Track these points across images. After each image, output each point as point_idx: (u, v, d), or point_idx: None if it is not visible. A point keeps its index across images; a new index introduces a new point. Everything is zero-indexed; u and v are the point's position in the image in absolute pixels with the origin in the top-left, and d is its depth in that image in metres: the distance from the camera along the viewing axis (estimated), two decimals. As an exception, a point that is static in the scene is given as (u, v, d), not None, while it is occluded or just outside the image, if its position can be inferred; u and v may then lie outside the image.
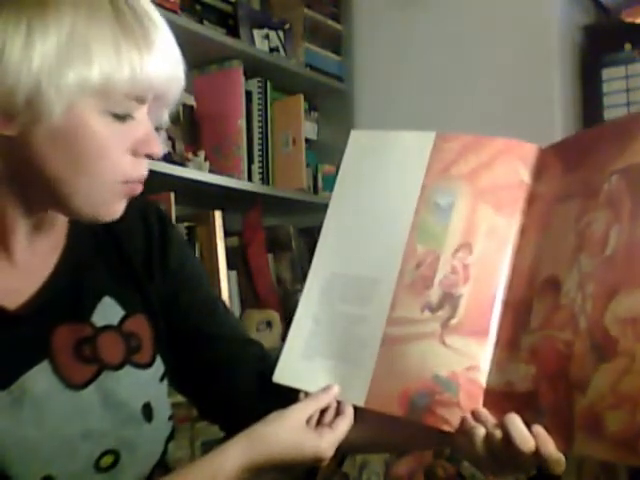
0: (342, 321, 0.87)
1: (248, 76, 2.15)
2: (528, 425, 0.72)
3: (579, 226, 0.77)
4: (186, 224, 1.92)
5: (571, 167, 0.82)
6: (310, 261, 0.92)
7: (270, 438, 0.78)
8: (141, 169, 0.77)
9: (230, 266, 1.99)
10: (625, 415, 0.66)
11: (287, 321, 0.93)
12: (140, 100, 0.75)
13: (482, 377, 0.78)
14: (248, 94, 2.16)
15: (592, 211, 0.76)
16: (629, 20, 2.15)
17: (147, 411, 0.83)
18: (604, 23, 2.30)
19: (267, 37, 2.22)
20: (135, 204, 0.82)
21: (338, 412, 0.82)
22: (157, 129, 0.81)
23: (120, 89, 0.72)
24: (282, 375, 0.87)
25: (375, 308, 0.85)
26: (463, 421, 0.76)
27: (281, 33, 2.26)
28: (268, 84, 2.21)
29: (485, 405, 0.77)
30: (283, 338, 0.91)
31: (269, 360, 0.91)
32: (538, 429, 0.71)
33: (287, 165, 2.24)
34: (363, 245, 0.89)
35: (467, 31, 2.25)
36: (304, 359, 0.87)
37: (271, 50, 2.22)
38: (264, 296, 2.13)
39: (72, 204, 0.76)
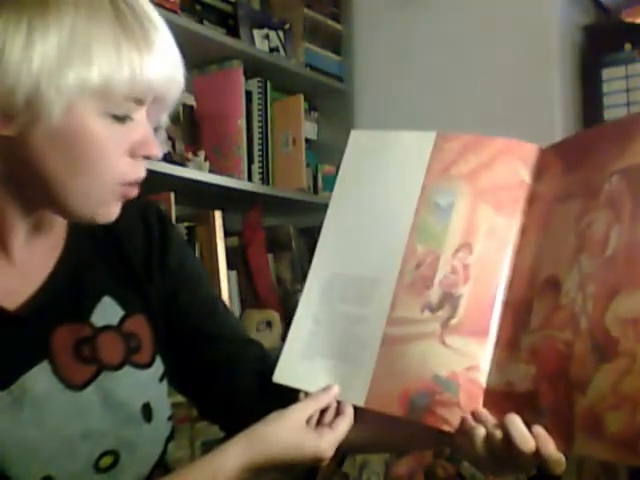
0: (342, 321, 0.87)
1: (248, 76, 2.15)
2: (528, 425, 0.72)
3: (579, 226, 0.77)
4: (186, 224, 1.92)
5: (571, 167, 0.82)
6: (310, 261, 0.92)
7: (270, 438, 0.78)
8: (139, 170, 0.77)
9: (230, 266, 1.99)
10: (625, 415, 0.66)
11: (287, 321, 0.93)
12: (139, 102, 0.75)
13: (482, 377, 0.78)
14: (248, 94, 2.15)
15: (592, 211, 0.76)
16: (629, 20, 2.15)
17: (147, 411, 0.83)
18: (604, 23, 2.30)
19: (267, 37, 2.22)
20: (135, 204, 0.82)
21: (338, 412, 0.82)
22: (156, 129, 0.81)
23: (120, 90, 0.72)
24: (282, 375, 0.87)
25: (375, 308, 0.85)
26: (463, 421, 0.76)
27: (281, 33, 2.26)
28: (268, 84, 2.21)
29: (485, 405, 0.77)
30: (283, 338, 0.91)
31: (269, 360, 0.91)
32: (538, 429, 0.71)
33: (287, 165, 2.24)
34: (363, 245, 0.89)
35: (467, 31, 2.25)
36: (304, 359, 0.87)
37: (271, 50, 2.22)
38: (264, 296, 2.13)
39: (69, 205, 0.76)
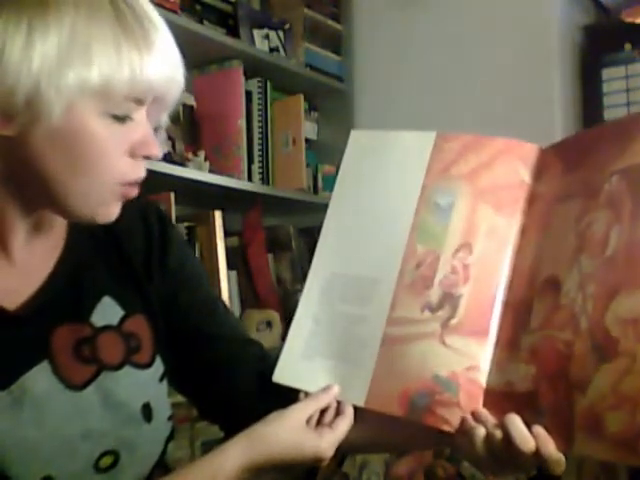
0: (342, 321, 0.87)
1: (248, 76, 2.15)
2: (528, 425, 0.72)
3: (579, 226, 0.77)
4: (186, 224, 1.92)
5: (571, 167, 0.82)
6: (310, 261, 0.92)
7: (270, 438, 0.78)
8: (139, 170, 0.77)
9: (230, 266, 1.99)
10: (625, 415, 0.66)
11: (287, 321, 0.93)
12: (139, 102, 0.75)
13: (482, 377, 0.78)
14: (248, 94, 2.15)
15: (592, 211, 0.76)
16: (629, 20, 2.15)
17: (147, 411, 0.83)
18: (604, 23, 2.30)
19: (267, 37, 2.22)
20: (135, 204, 0.82)
21: (338, 412, 0.82)
22: (156, 129, 0.81)
23: (120, 90, 0.72)
24: (282, 375, 0.87)
25: (375, 308, 0.85)
26: (463, 421, 0.76)
27: (281, 33, 2.26)
28: (268, 84, 2.21)
29: (485, 405, 0.77)
30: (283, 338, 0.91)
31: (269, 360, 0.91)
32: (538, 429, 0.71)
33: (287, 165, 2.24)
34: (363, 245, 0.89)
35: (467, 31, 2.25)
36: (304, 359, 0.87)
37: (271, 50, 2.22)
38: (264, 296, 2.13)
39: (69, 205, 0.76)
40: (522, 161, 0.85)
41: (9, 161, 0.75)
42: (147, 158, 0.77)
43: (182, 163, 1.92)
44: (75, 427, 0.78)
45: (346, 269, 0.89)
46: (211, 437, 1.83)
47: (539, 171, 0.84)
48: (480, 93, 2.21)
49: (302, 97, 2.27)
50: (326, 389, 0.83)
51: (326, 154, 2.38)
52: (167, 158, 1.82)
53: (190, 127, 2.08)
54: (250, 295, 2.12)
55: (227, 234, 1.98)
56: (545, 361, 0.74)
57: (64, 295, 0.82)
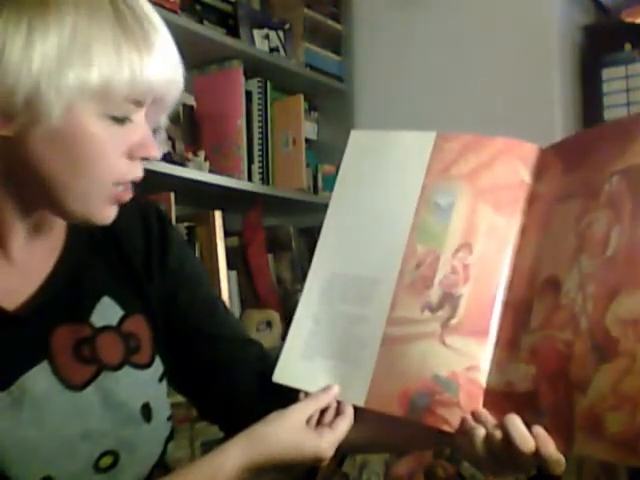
0: (342, 321, 0.87)
1: (248, 76, 2.15)
2: (528, 425, 0.72)
3: (580, 226, 0.77)
4: (186, 224, 1.92)
5: (571, 167, 0.82)
6: (310, 261, 0.92)
7: (270, 438, 0.78)
8: (136, 171, 0.77)
9: (230, 266, 1.99)
10: (625, 416, 0.66)
11: (287, 321, 0.93)
12: (139, 103, 0.75)
13: (482, 377, 0.78)
14: (248, 94, 2.15)
15: (593, 211, 0.76)
16: (629, 20, 2.15)
17: (146, 411, 0.83)
18: (604, 23, 2.30)
19: (267, 37, 2.22)
20: (135, 204, 0.82)
21: (338, 412, 0.82)
22: (156, 130, 0.81)
23: (120, 91, 0.72)
24: (282, 375, 0.87)
25: (375, 308, 0.85)
26: (463, 421, 0.76)
27: (281, 33, 2.26)
28: (268, 84, 2.21)
29: (485, 405, 0.77)
30: (283, 338, 0.91)
31: (269, 360, 0.91)
32: (538, 429, 0.71)
33: (287, 165, 2.24)
34: (363, 245, 0.89)
35: (467, 31, 2.25)
36: (304, 359, 0.87)
37: (271, 50, 2.22)
38: (264, 296, 2.13)
39: (67, 206, 0.76)
40: (522, 161, 0.85)
41: (8, 161, 0.75)
42: (145, 159, 0.77)
43: (182, 163, 1.91)
44: (75, 427, 0.78)
45: (346, 269, 0.89)
46: (211, 437, 1.83)
47: (539, 171, 0.84)
48: (480, 93, 2.21)
49: (302, 97, 2.27)
50: (326, 389, 0.83)
51: (326, 154, 2.38)
52: (167, 158, 1.82)
53: (190, 127, 2.08)
54: (250, 295, 2.12)
55: (227, 234, 1.98)
56: (545, 361, 0.74)
57: (64, 295, 0.82)
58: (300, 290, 0.93)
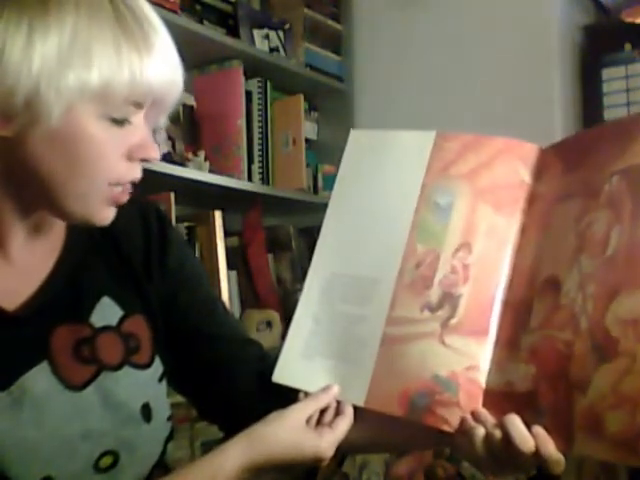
0: (342, 321, 0.87)
1: (248, 76, 2.15)
2: (528, 425, 0.72)
3: (580, 226, 0.77)
4: (186, 224, 1.92)
5: (571, 167, 0.82)
6: (310, 261, 0.92)
7: (270, 438, 0.78)
8: (135, 172, 0.78)
9: (230, 266, 1.99)
10: (625, 416, 0.66)
11: (287, 321, 0.93)
12: (138, 105, 0.75)
13: (482, 377, 0.78)
14: (248, 94, 2.15)
15: (593, 211, 0.76)
16: (629, 20, 2.14)
17: (146, 411, 0.83)
18: (604, 23, 2.30)
19: (267, 37, 2.22)
20: (134, 204, 0.82)
21: (338, 412, 0.82)
22: (155, 131, 0.81)
23: (119, 93, 0.72)
24: (282, 375, 0.87)
25: (375, 308, 0.85)
26: (463, 421, 0.76)
27: (281, 33, 2.26)
28: (268, 84, 2.21)
29: (485, 405, 0.77)
30: (283, 338, 0.91)
31: (269, 360, 0.91)
32: (538, 429, 0.71)
33: (287, 165, 2.24)
34: (363, 245, 0.89)
35: (467, 31, 2.25)
36: (304, 359, 0.87)
37: (271, 50, 2.22)
38: (264, 296, 2.13)
39: (65, 206, 0.76)
40: (522, 161, 0.85)
41: (8, 162, 0.75)
42: (145, 161, 0.78)
43: (182, 163, 1.92)
44: (75, 427, 0.78)
45: (346, 269, 0.89)
46: (211, 437, 1.83)
47: (539, 171, 0.84)
48: (480, 93, 2.21)
49: (302, 97, 2.27)
50: (326, 389, 0.83)
51: (326, 154, 2.38)
52: (167, 158, 1.82)
53: (190, 127, 2.08)
54: (250, 295, 2.12)
55: (227, 234, 1.98)
56: (545, 361, 0.74)
57: (63, 295, 0.82)
58: (300, 290, 0.93)
